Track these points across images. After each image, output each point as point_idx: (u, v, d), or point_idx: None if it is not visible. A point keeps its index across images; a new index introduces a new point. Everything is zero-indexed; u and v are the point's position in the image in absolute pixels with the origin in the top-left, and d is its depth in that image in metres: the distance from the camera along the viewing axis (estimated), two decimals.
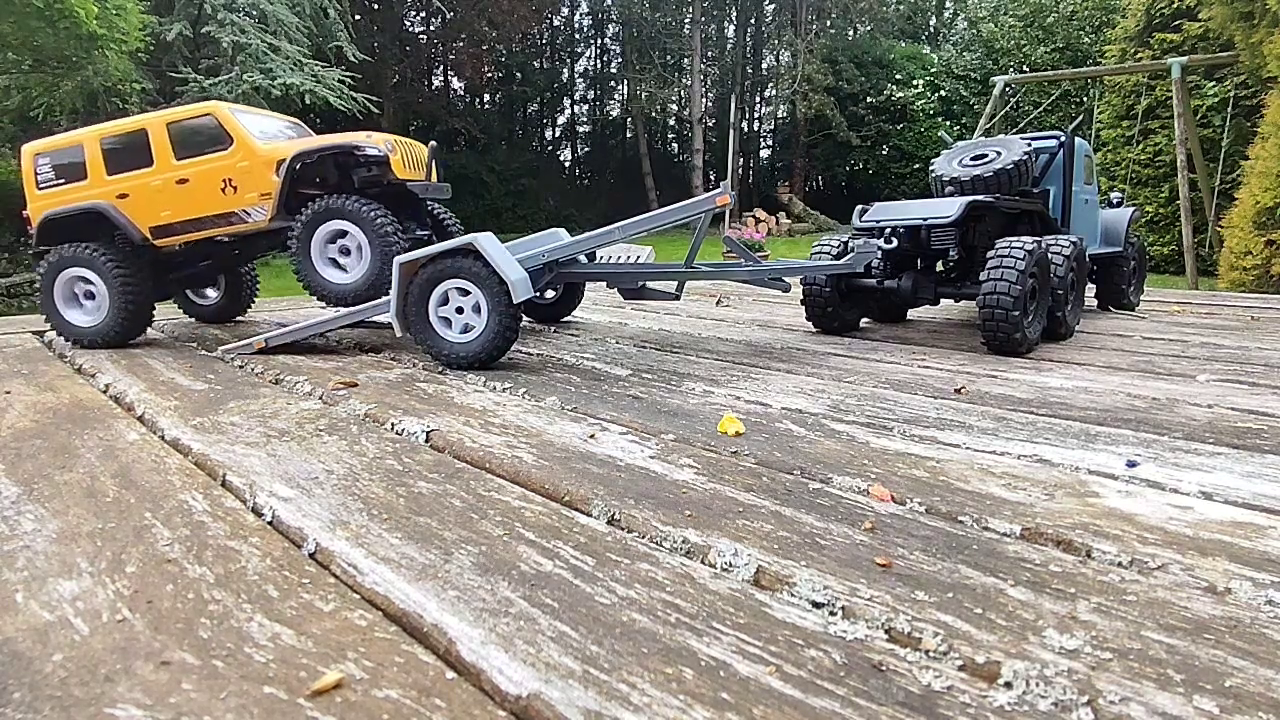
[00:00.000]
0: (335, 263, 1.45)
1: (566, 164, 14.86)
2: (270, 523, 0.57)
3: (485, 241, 1.18)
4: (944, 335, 1.64)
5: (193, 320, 1.82)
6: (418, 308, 1.21)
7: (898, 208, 1.57)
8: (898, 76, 11.11)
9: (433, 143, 1.65)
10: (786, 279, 1.46)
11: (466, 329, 1.21)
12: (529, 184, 11.81)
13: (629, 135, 13.94)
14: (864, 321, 1.82)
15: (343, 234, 1.43)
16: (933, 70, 11.18)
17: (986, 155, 1.72)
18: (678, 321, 1.84)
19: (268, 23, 9.04)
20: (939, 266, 1.69)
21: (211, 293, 1.88)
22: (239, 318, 1.89)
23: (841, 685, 0.36)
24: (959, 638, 0.40)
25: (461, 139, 11.72)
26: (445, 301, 1.21)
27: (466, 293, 1.20)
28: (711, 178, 12.67)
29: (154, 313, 1.53)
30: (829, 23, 12.94)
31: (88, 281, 1.48)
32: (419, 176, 1.55)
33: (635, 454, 0.74)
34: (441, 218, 1.72)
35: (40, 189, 1.54)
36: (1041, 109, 8.14)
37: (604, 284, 1.73)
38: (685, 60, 12.66)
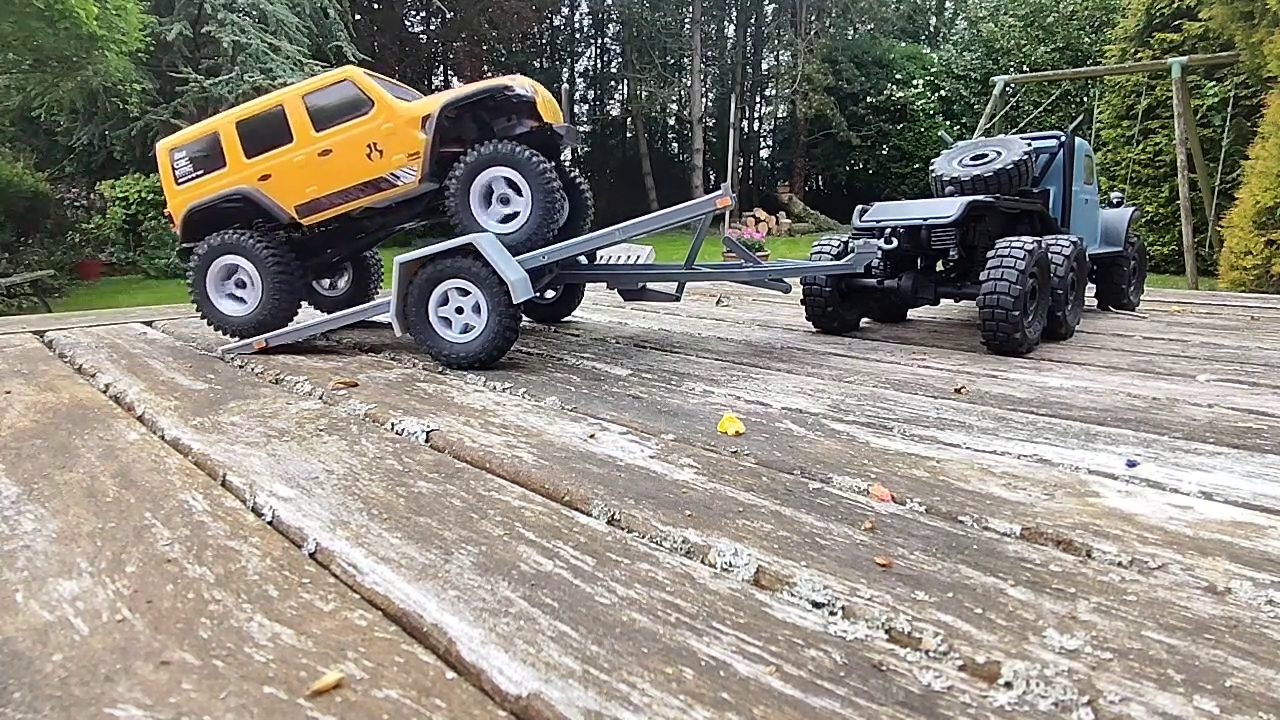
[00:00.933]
0: (495, 214, 1.39)
1: (567, 163, 14.86)
2: (270, 523, 0.57)
3: (485, 242, 1.19)
4: (944, 335, 1.64)
5: (196, 320, 1.82)
6: (418, 308, 1.21)
7: (898, 208, 1.57)
8: (898, 76, 11.12)
9: (565, 85, 1.60)
10: (786, 279, 1.46)
11: (466, 329, 1.21)
12: None
13: (629, 135, 13.95)
14: (864, 321, 1.82)
15: (504, 181, 1.37)
16: (933, 70, 11.19)
17: (986, 155, 1.72)
18: (678, 321, 1.84)
19: (268, 22, 9.05)
20: (939, 266, 1.69)
21: (340, 282, 1.85)
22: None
23: (841, 685, 0.36)
24: (959, 638, 0.40)
25: None
26: (445, 302, 1.21)
27: (466, 293, 1.20)
28: (711, 177, 12.66)
29: (301, 300, 1.51)
30: (829, 22, 12.95)
31: (239, 269, 1.45)
32: (559, 120, 1.49)
33: (635, 454, 0.74)
34: (573, 176, 1.65)
35: (180, 184, 1.51)
36: (1041, 109, 8.14)
37: (604, 284, 1.73)
38: (685, 60, 12.67)
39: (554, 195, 1.34)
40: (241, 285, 1.47)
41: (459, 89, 1.46)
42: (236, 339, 1.43)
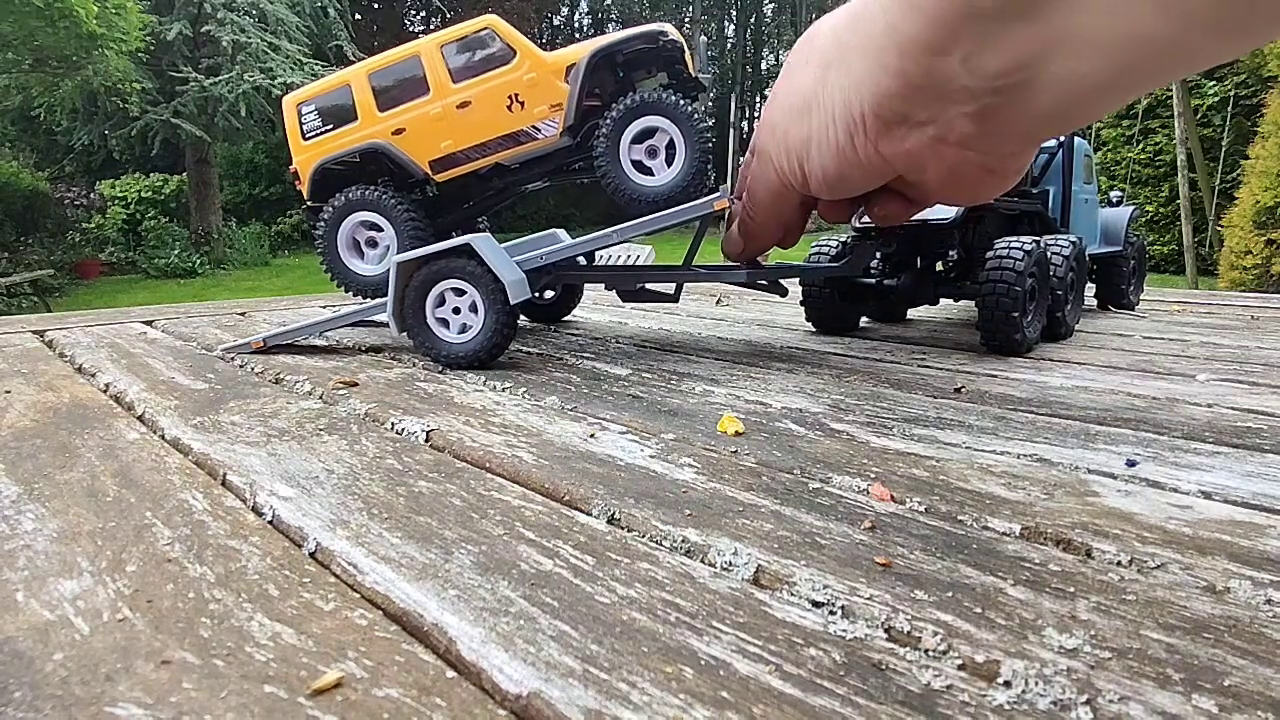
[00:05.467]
0: (642, 166, 1.34)
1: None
2: (270, 522, 0.57)
3: (481, 243, 1.18)
4: (944, 335, 1.64)
5: (196, 320, 1.82)
6: (415, 309, 1.21)
7: None
8: None
9: (703, 37, 1.53)
10: (784, 282, 1.45)
11: (464, 329, 1.21)
12: None
13: None
14: (864, 321, 1.82)
15: (651, 132, 1.31)
16: None
17: None
18: (678, 321, 1.84)
19: (268, 22, 9.05)
20: (938, 266, 1.69)
21: None
22: None
23: (841, 684, 0.36)
24: (958, 637, 0.40)
25: None
26: (442, 302, 1.21)
27: (462, 292, 1.20)
28: (712, 177, 12.63)
29: None
30: None
31: (373, 227, 1.41)
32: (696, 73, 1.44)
33: (635, 453, 0.74)
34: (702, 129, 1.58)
35: (307, 139, 1.45)
36: None
37: (602, 284, 1.73)
38: None
39: (706, 143, 1.30)
40: (372, 245, 1.43)
41: (606, 36, 1.40)
42: (363, 299, 1.39)
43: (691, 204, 1.30)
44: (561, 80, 1.36)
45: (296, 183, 1.49)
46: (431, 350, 1.21)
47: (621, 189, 1.35)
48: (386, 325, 1.41)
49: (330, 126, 1.44)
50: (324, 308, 2.04)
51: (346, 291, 1.46)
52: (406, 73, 1.40)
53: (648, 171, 1.35)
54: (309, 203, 1.49)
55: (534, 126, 1.38)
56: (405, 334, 1.23)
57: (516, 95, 1.36)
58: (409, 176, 1.44)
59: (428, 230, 1.44)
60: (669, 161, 1.33)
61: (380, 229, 1.41)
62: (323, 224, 1.42)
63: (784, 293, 1.48)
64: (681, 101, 1.31)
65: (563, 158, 1.43)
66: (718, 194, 1.29)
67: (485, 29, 1.39)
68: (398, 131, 1.41)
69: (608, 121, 1.33)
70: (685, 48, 1.38)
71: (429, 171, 1.43)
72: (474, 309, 1.20)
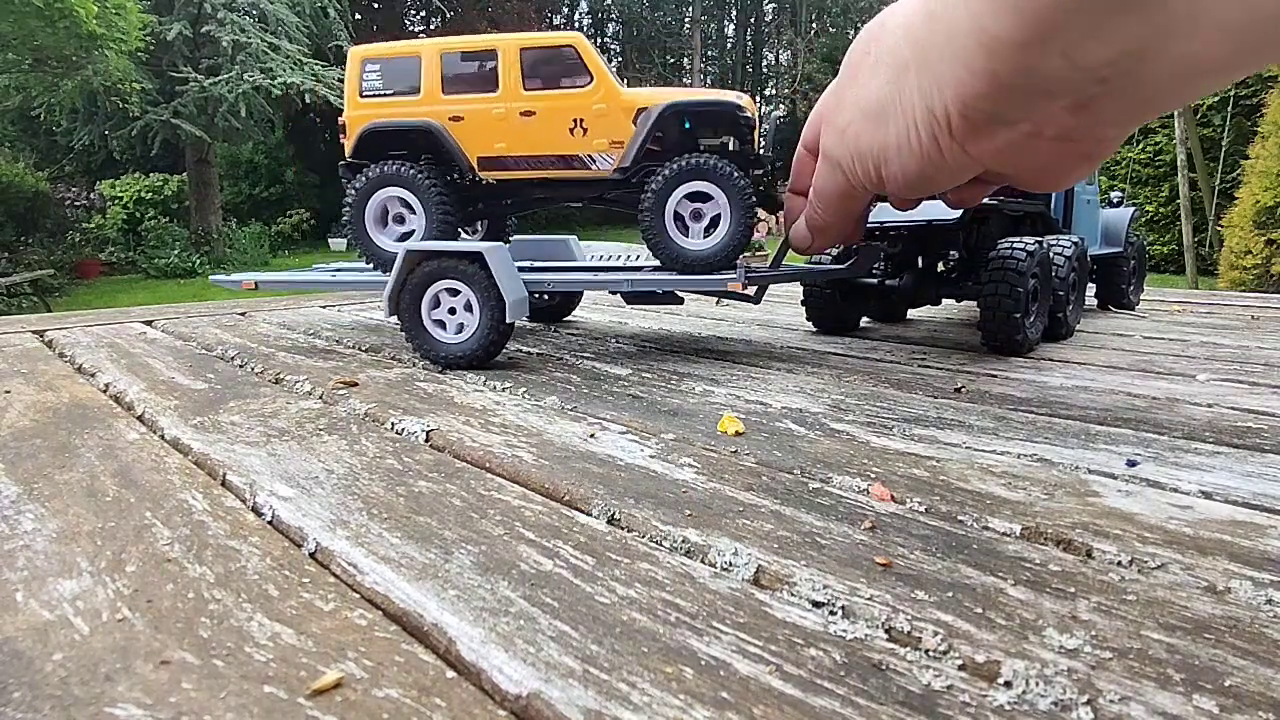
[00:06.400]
0: (685, 227, 1.34)
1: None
2: (270, 522, 0.57)
3: (493, 255, 1.18)
4: (944, 335, 1.64)
5: (195, 319, 1.82)
6: (411, 307, 1.20)
7: None
8: None
9: (778, 113, 1.50)
10: (766, 288, 1.43)
11: (460, 328, 1.20)
12: None
13: None
14: (864, 321, 1.82)
15: (701, 196, 1.32)
16: None
17: None
18: (678, 321, 1.84)
19: (268, 22, 9.05)
20: (940, 266, 1.69)
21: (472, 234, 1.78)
22: None
23: (841, 684, 0.36)
24: (959, 637, 0.40)
25: None
26: (437, 304, 1.21)
27: (456, 292, 1.20)
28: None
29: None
30: (829, 22, 12.93)
31: (403, 204, 1.40)
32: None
33: (635, 453, 0.74)
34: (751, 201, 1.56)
35: (363, 97, 1.43)
36: None
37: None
38: (685, 60, 12.65)
39: (753, 218, 1.30)
40: (400, 221, 1.41)
41: (686, 92, 1.40)
42: (381, 271, 1.38)
43: (710, 278, 1.29)
44: (630, 120, 1.34)
45: (342, 135, 1.48)
46: (430, 352, 1.21)
47: (658, 244, 1.34)
48: (387, 325, 1.41)
49: (390, 92, 1.42)
50: (324, 308, 2.04)
51: (367, 263, 1.45)
52: (481, 64, 1.38)
53: (685, 230, 1.33)
54: (349, 159, 1.47)
55: (590, 155, 1.36)
56: (395, 320, 1.22)
57: (581, 121, 1.35)
58: (453, 163, 1.41)
59: (456, 218, 1.42)
60: (710, 228, 1.32)
61: (411, 208, 1.40)
62: (354, 192, 1.41)
63: (757, 301, 1.45)
64: (736, 174, 1.29)
65: (606, 188, 1.42)
66: (733, 274, 1.27)
67: (569, 45, 1.36)
68: (455, 118, 1.39)
69: (659, 178, 1.31)
70: (757, 123, 1.37)
71: (475, 167, 1.41)
72: (469, 308, 1.20)
